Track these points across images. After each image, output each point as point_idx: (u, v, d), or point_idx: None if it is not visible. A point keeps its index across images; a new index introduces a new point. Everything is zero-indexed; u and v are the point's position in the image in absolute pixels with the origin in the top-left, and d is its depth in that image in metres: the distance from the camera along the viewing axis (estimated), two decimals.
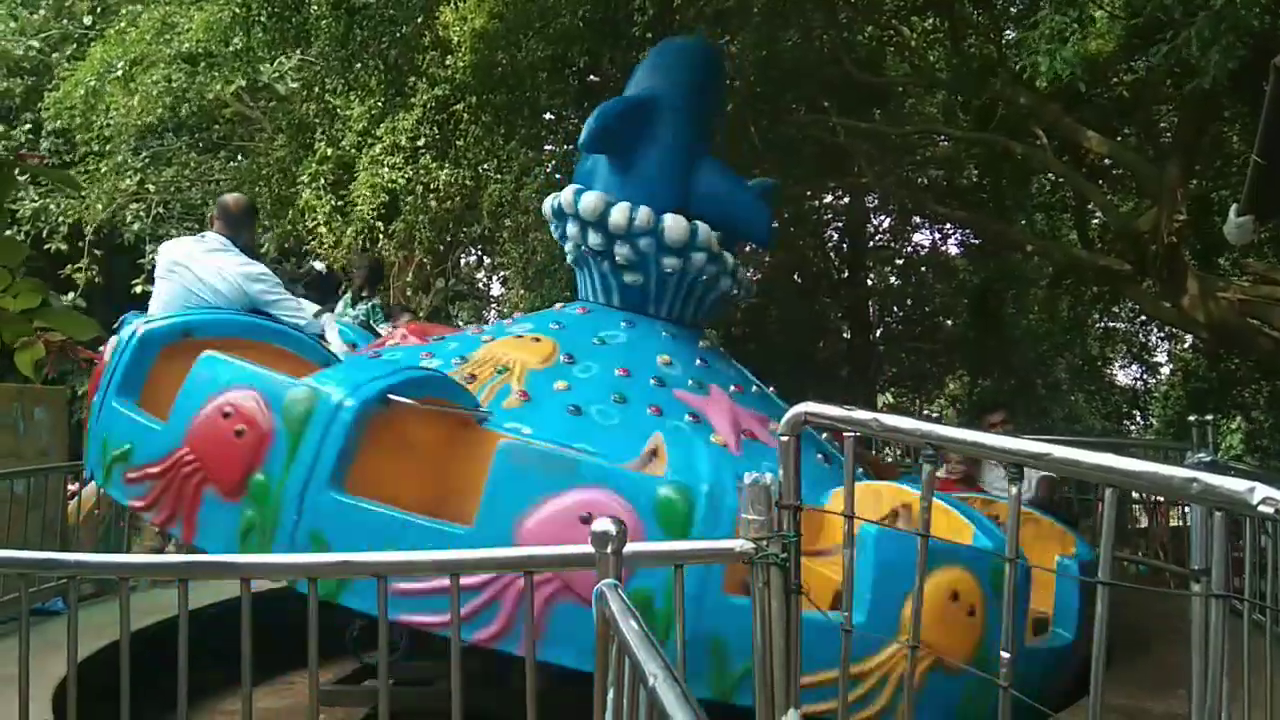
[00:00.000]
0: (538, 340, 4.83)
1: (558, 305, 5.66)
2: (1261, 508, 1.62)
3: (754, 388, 5.41)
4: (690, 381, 4.87)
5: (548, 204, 5.44)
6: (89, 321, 1.77)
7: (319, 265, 6.03)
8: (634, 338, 5.06)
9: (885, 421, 2.26)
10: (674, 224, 5.04)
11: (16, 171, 1.73)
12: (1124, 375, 17.21)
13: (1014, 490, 1.94)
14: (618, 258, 5.13)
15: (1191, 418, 5.60)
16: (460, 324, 10.18)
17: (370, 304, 7.18)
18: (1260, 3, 3.65)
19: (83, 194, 9.33)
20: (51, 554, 3.66)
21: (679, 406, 4.60)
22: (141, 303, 10.84)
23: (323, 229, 7.56)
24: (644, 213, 5.01)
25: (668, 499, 3.41)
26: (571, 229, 5.21)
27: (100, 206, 9.64)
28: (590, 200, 5.08)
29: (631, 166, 5.17)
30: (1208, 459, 2.84)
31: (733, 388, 5.03)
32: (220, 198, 5.17)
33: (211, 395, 3.75)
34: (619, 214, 5.00)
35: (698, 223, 5.13)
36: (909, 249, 16.09)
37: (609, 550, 2.31)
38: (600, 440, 3.98)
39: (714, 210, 5.21)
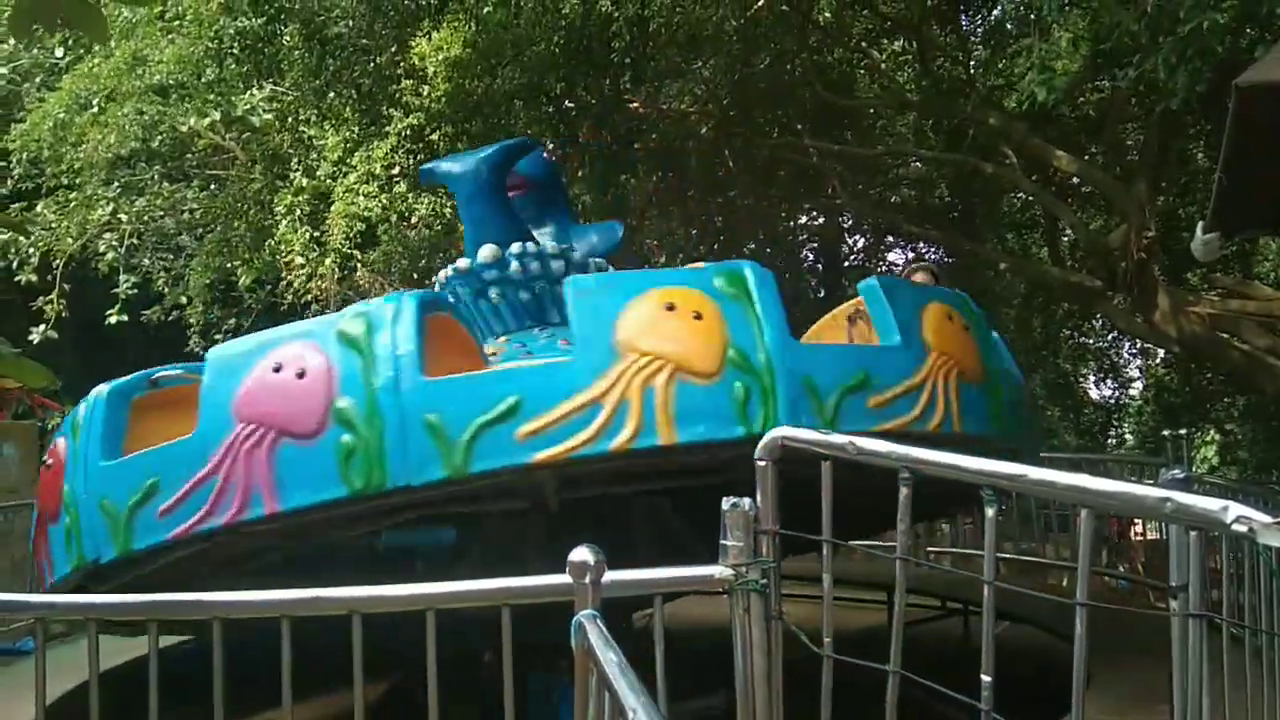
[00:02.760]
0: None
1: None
2: (1235, 526, 1.63)
3: None
4: None
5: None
6: (43, 370, 1.74)
7: None
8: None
9: (862, 445, 2.26)
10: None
11: None
12: (1097, 391, 17.40)
13: (990, 513, 1.94)
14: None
15: (1165, 432, 5.64)
16: None
17: None
18: (1223, 29, 3.74)
19: (31, 236, 9.21)
20: (19, 596, 3.58)
21: None
22: (114, 334, 10.76)
23: (299, 260, 7.51)
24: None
25: (346, 330, 3.63)
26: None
27: (71, 239, 9.53)
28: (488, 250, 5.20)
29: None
30: (1181, 475, 2.86)
31: None
32: None
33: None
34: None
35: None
36: (884, 267, 16.22)
37: (587, 580, 2.29)
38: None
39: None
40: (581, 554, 2.29)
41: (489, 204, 5.27)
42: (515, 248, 5.16)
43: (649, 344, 3.59)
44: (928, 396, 3.86)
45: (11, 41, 13.21)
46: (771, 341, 3.70)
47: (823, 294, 15.50)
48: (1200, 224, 4.11)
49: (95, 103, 8.35)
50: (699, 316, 3.67)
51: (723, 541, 2.50)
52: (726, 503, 2.52)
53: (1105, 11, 4.20)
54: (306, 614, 2.64)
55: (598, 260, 5.52)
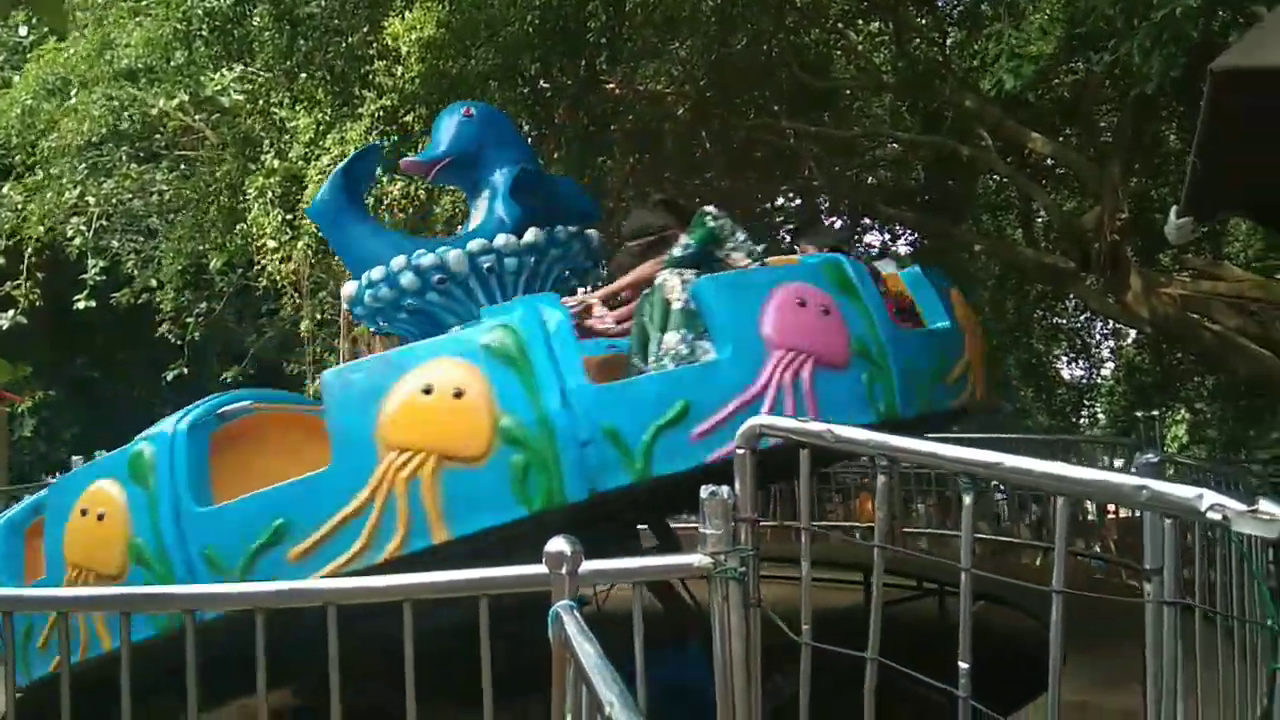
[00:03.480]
0: None
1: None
2: (1210, 514, 1.64)
3: None
4: None
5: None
6: (2, 363, 1.69)
7: None
8: None
9: (839, 432, 2.26)
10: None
11: None
12: (1069, 371, 17.58)
13: (967, 501, 1.95)
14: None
15: (1138, 413, 5.73)
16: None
17: None
18: (1196, 12, 3.75)
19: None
20: None
21: None
22: (84, 319, 10.60)
23: (271, 243, 7.41)
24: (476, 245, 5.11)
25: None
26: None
27: (40, 225, 9.35)
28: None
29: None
30: (1155, 459, 2.89)
31: None
32: None
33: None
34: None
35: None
36: (860, 250, 16.27)
37: (564, 571, 2.28)
38: None
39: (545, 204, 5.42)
40: (558, 544, 2.28)
41: (348, 230, 5.26)
42: (396, 263, 5.05)
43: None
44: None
45: None
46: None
47: None
48: (1174, 207, 4.14)
49: (66, 89, 8.17)
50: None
51: (701, 529, 2.50)
52: (705, 491, 2.51)
53: None
54: (280, 606, 2.62)
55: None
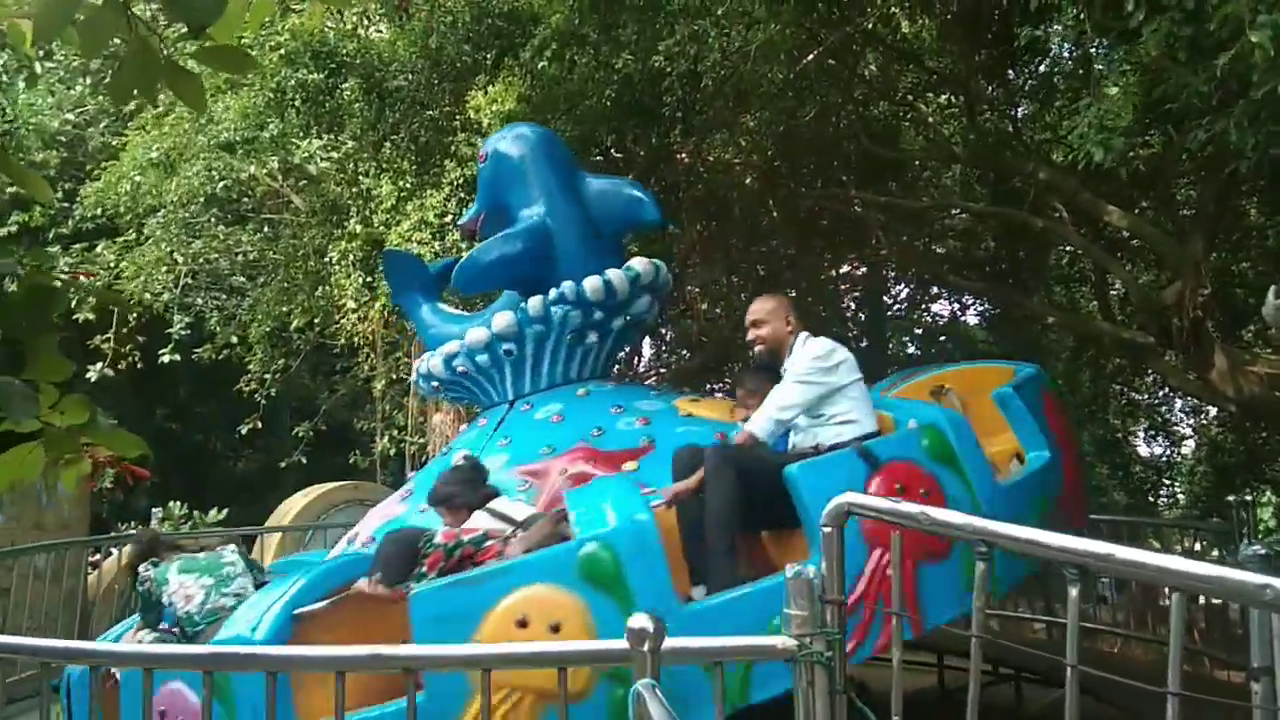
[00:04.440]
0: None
1: (539, 412, 5.64)
2: None
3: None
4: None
5: (580, 287, 5.54)
6: (136, 439, 1.76)
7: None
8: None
9: (934, 515, 2.21)
10: (618, 279, 5.51)
11: (70, 291, 1.74)
12: (1146, 448, 17.00)
13: (1073, 593, 1.88)
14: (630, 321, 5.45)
15: (1230, 497, 5.49)
16: None
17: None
18: None
19: (133, 307, 9.52)
20: (77, 643, 3.61)
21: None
22: (167, 372, 10.98)
23: (350, 303, 7.64)
24: (616, 278, 5.45)
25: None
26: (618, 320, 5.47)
27: (131, 283, 9.79)
28: (618, 278, 5.39)
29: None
30: (1263, 551, 2.76)
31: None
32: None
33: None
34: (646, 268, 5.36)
35: (635, 264, 5.62)
36: (927, 319, 16.10)
37: (645, 648, 2.25)
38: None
39: (607, 218, 5.75)
40: (640, 620, 2.25)
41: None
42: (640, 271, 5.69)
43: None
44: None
45: (78, 88, 13.78)
46: None
47: (865, 344, 15.42)
48: (1273, 288, 4.02)
49: (169, 161, 8.65)
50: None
51: (786, 610, 2.45)
52: (789, 570, 2.47)
53: (1171, 73, 4.17)
54: (366, 671, 2.63)
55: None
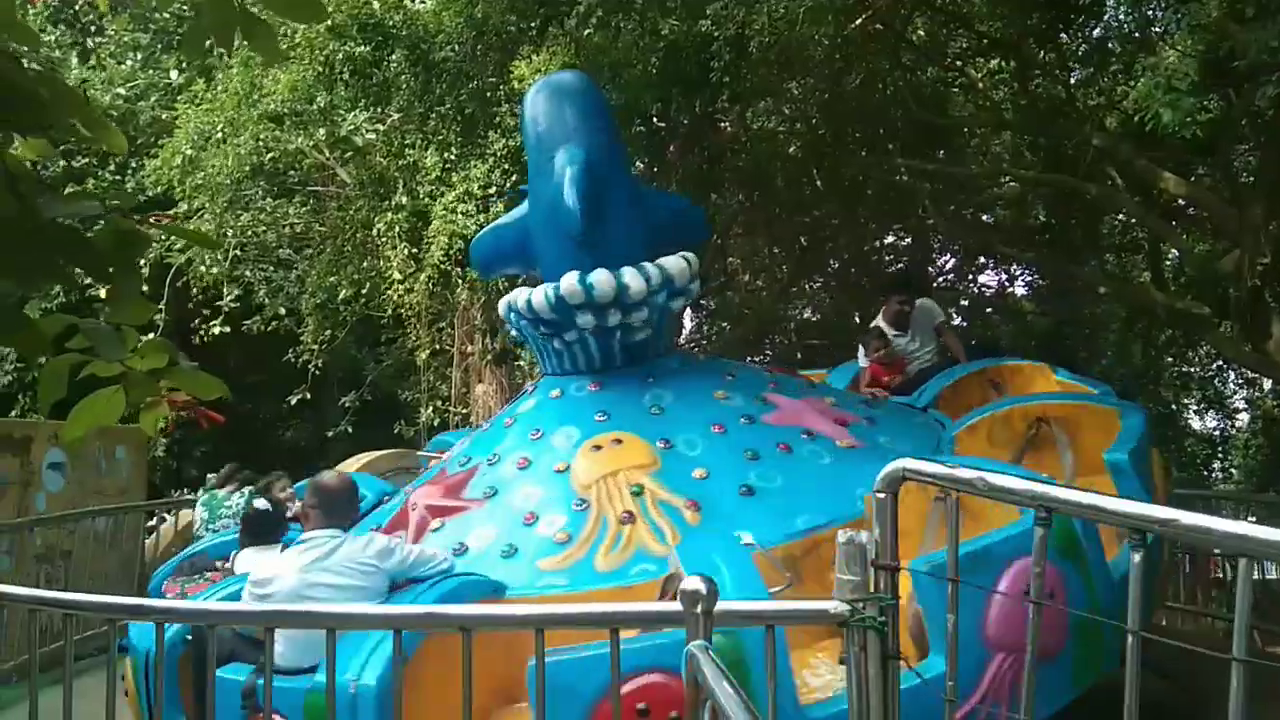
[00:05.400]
0: (618, 441, 4.66)
1: (552, 391, 5.36)
2: None
3: (771, 378, 5.51)
4: (755, 401, 4.97)
5: (529, 298, 5.14)
6: (217, 381, 1.79)
7: (260, 503, 5.68)
8: (679, 390, 5.02)
9: (991, 480, 2.18)
10: (679, 269, 5.04)
11: (155, 233, 1.78)
12: (1199, 422, 16.65)
13: (1136, 559, 1.86)
14: (635, 322, 5.02)
15: None
16: (523, 366, 10.24)
17: (245, 492, 6.53)
18: None
19: (222, 246, 9.67)
20: (140, 600, 3.72)
21: (787, 432, 4.69)
22: (218, 344, 11.20)
23: (396, 275, 7.71)
24: (654, 271, 4.94)
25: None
26: (584, 318, 4.97)
27: (182, 255, 9.98)
28: (603, 279, 4.88)
29: (600, 226, 4.94)
30: None
31: (770, 385, 5.19)
32: (315, 482, 4.15)
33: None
34: (635, 281, 4.87)
35: (688, 256, 5.13)
36: (974, 290, 15.85)
37: (699, 610, 2.25)
38: (800, 503, 4.12)
39: (661, 223, 5.25)
40: (694, 583, 2.26)
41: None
42: (679, 267, 5.11)
43: None
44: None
45: (129, 63, 13.98)
46: None
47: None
48: None
49: (218, 132, 8.73)
50: None
51: (838, 575, 2.45)
52: (842, 536, 2.46)
53: (1234, 34, 4.03)
54: (421, 629, 2.68)
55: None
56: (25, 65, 1.46)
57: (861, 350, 6.77)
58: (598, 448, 4.63)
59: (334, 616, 2.82)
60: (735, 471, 4.41)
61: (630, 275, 4.88)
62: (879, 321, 6.94)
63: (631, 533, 4.19)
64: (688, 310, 12.35)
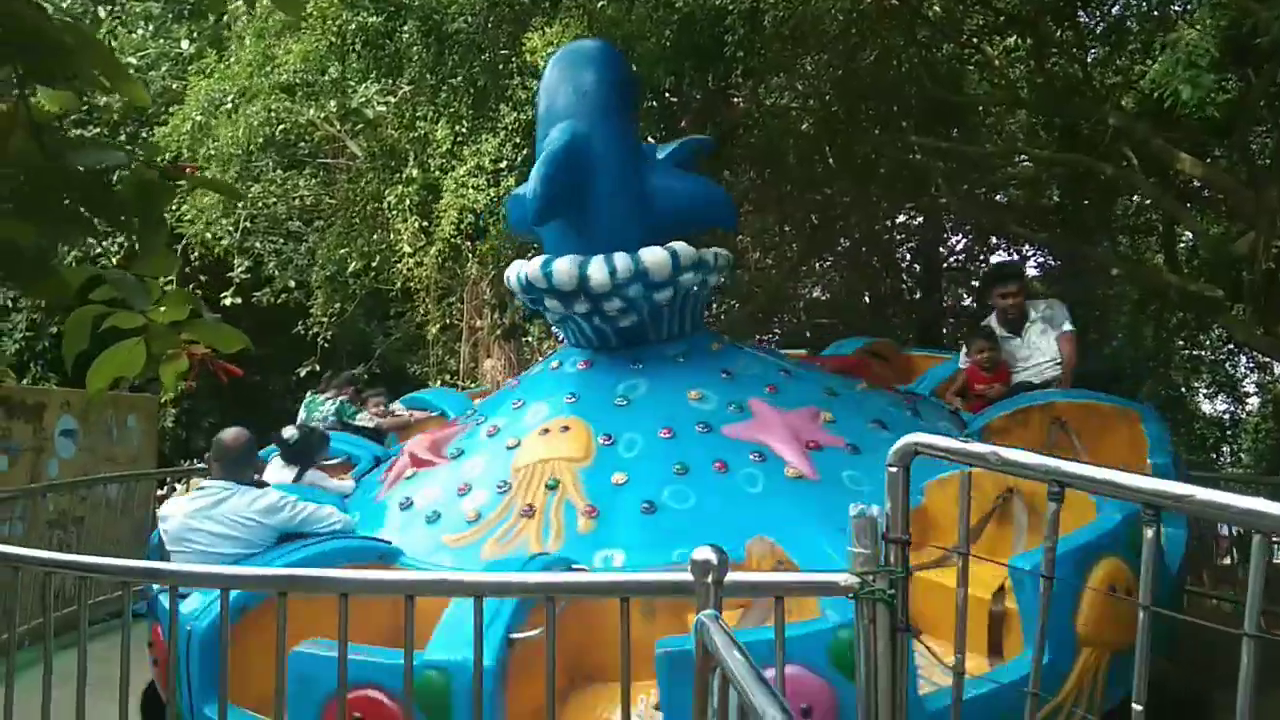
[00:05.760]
0: (566, 429, 4.57)
1: (553, 363, 5.38)
2: None
3: (781, 372, 5.21)
4: (730, 407, 4.71)
5: (512, 276, 5.13)
6: (238, 334, 1.79)
7: (289, 431, 5.90)
8: (652, 384, 4.88)
9: (1005, 455, 2.18)
10: (655, 261, 4.83)
11: (178, 183, 1.77)
12: (1210, 405, 16.60)
13: (1149, 534, 1.86)
14: (609, 311, 4.93)
15: None
16: (531, 341, 10.24)
17: (339, 400, 7.07)
18: None
19: (244, 199, 9.71)
20: (155, 564, 3.75)
21: (738, 448, 4.40)
22: (227, 316, 11.22)
23: (406, 248, 7.71)
24: (622, 262, 4.79)
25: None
26: (550, 301, 4.95)
27: (193, 225, 9.98)
28: (563, 268, 4.80)
29: (587, 210, 4.85)
30: None
31: (767, 390, 4.88)
32: (217, 438, 4.51)
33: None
34: (598, 272, 4.76)
35: (676, 246, 4.90)
36: (985, 269, 15.77)
37: (709, 580, 2.27)
38: (692, 534, 3.71)
39: (677, 207, 5.01)
40: (704, 553, 2.27)
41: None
42: (657, 261, 4.94)
43: None
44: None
45: (140, 32, 13.93)
46: None
47: (919, 295, 15.18)
48: None
49: (229, 101, 8.71)
50: None
51: (849, 548, 2.46)
52: (854, 509, 2.47)
53: (1253, 12, 3.97)
54: (429, 594, 2.70)
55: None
56: (50, 14, 1.45)
57: (964, 349, 6.09)
58: (547, 431, 4.58)
59: (350, 582, 2.84)
60: (651, 484, 4.20)
61: (594, 266, 4.78)
62: (990, 320, 6.14)
63: (524, 527, 4.12)
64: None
